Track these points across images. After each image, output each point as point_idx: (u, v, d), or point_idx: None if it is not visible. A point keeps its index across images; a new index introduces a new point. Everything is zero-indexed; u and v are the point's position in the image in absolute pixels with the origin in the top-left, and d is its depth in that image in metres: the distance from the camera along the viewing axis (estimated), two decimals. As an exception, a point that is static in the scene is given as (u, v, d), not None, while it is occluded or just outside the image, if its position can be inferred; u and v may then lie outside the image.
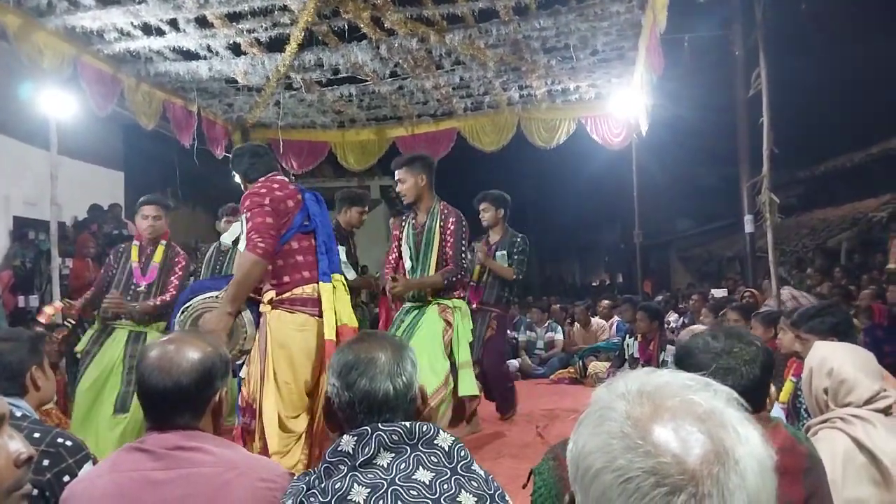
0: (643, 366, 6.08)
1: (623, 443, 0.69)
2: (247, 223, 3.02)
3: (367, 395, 1.39)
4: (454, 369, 4.01)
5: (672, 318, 8.99)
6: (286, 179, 3.24)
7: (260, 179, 3.18)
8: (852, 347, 2.26)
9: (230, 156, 3.51)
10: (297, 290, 3.05)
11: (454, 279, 4.07)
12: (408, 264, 4.20)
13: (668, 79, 6.43)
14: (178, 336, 1.64)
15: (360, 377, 1.40)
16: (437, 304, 4.12)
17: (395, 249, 4.39)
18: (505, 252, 5.20)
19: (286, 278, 3.06)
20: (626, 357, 7.01)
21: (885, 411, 2.04)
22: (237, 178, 3.40)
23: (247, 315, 3.14)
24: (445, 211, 4.19)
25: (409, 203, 4.22)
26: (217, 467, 1.46)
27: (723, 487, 0.65)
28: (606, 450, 0.70)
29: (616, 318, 8.92)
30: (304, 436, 3.04)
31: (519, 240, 5.25)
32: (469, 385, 4.07)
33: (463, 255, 4.12)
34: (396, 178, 4.20)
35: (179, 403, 1.51)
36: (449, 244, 4.09)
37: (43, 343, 2.11)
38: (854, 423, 2.00)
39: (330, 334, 2.99)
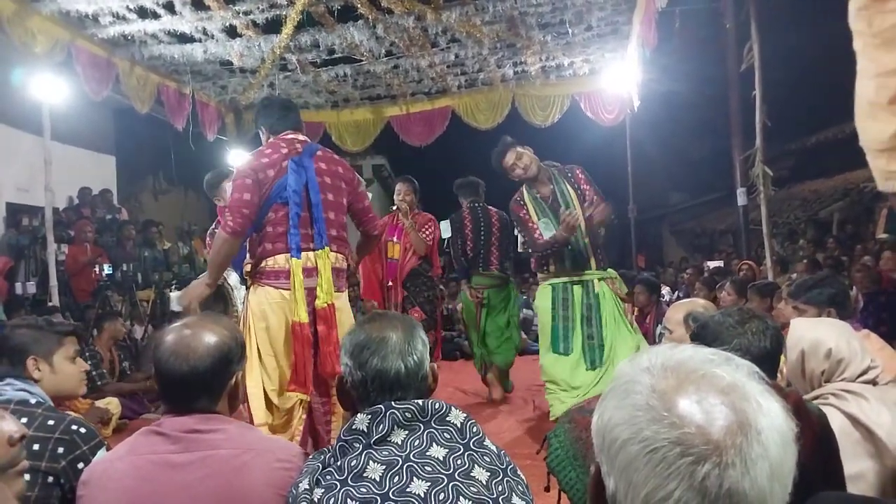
0: (640, 339, 6.17)
1: (649, 415, 0.72)
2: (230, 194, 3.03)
3: (378, 374, 1.41)
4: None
5: (665, 290, 9.05)
6: (294, 138, 3.14)
7: (281, 135, 3.15)
8: (836, 323, 2.28)
9: (257, 107, 3.42)
10: (265, 263, 3.00)
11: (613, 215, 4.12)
12: (548, 234, 4.07)
13: (661, 53, 6.40)
14: (194, 320, 1.63)
15: (372, 356, 1.42)
16: (603, 279, 4.12)
17: (536, 228, 4.17)
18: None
19: (259, 249, 3.03)
20: (623, 331, 7.06)
21: (874, 382, 2.08)
22: (262, 134, 3.29)
23: (239, 293, 3.21)
24: (566, 168, 4.26)
25: (535, 175, 4.18)
26: (234, 449, 1.48)
27: (746, 457, 0.68)
28: (633, 421, 0.73)
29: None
30: (297, 413, 3.03)
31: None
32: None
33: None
34: (513, 162, 4.17)
35: (196, 388, 1.53)
36: (589, 191, 4.13)
37: (48, 338, 2.04)
38: (847, 398, 2.02)
39: (297, 315, 2.94)
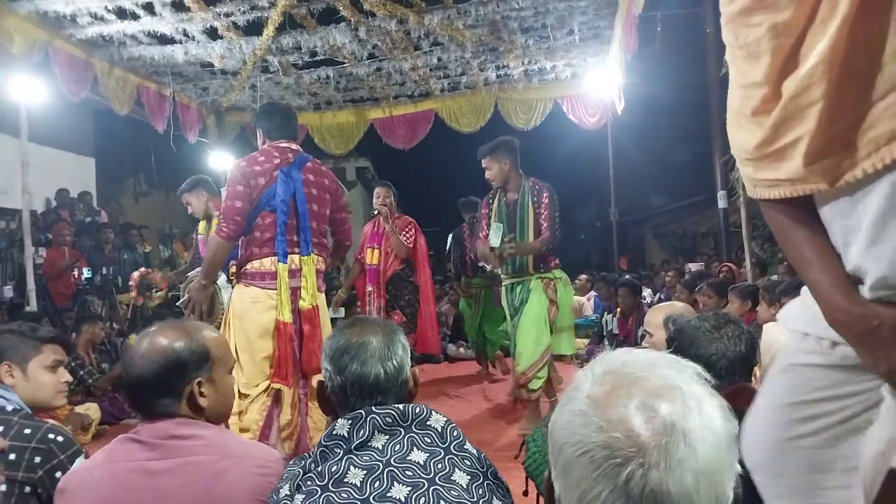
0: (623, 340, 6.23)
1: (581, 419, 0.75)
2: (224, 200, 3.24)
3: (358, 378, 1.41)
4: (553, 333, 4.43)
5: (646, 293, 9.12)
6: (287, 147, 3.32)
7: (275, 142, 3.33)
8: None
9: (257, 112, 3.60)
10: (249, 266, 3.20)
11: (551, 246, 4.39)
12: (494, 240, 4.36)
13: (642, 57, 6.46)
14: (160, 326, 1.63)
15: (352, 361, 1.42)
16: (541, 279, 4.45)
17: (486, 227, 4.61)
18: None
19: (245, 252, 3.24)
20: (605, 334, 7.12)
21: None
22: (259, 135, 3.45)
23: (226, 293, 3.46)
24: (537, 186, 4.49)
25: (498, 186, 4.53)
26: (213, 455, 1.48)
27: (670, 458, 0.69)
28: (568, 426, 0.76)
29: (594, 294, 9.02)
30: (261, 396, 3.18)
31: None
32: (566, 345, 4.54)
33: (557, 226, 4.41)
34: (483, 165, 4.51)
35: (147, 391, 1.53)
36: (544, 216, 4.40)
37: (25, 344, 2.02)
38: None
39: (282, 315, 3.15)
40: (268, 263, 3.17)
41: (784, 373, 1.27)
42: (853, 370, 1.11)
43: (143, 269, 5.42)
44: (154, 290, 5.49)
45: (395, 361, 1.44)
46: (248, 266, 3.20)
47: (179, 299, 4.75)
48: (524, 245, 4.37)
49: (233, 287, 3.36)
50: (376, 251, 5.50)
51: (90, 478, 1.47)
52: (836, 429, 1.16)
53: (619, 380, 0.76)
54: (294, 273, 3.20)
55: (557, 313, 4.44)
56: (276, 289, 3.15)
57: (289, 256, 3.19)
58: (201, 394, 1.56)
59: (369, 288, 5.51)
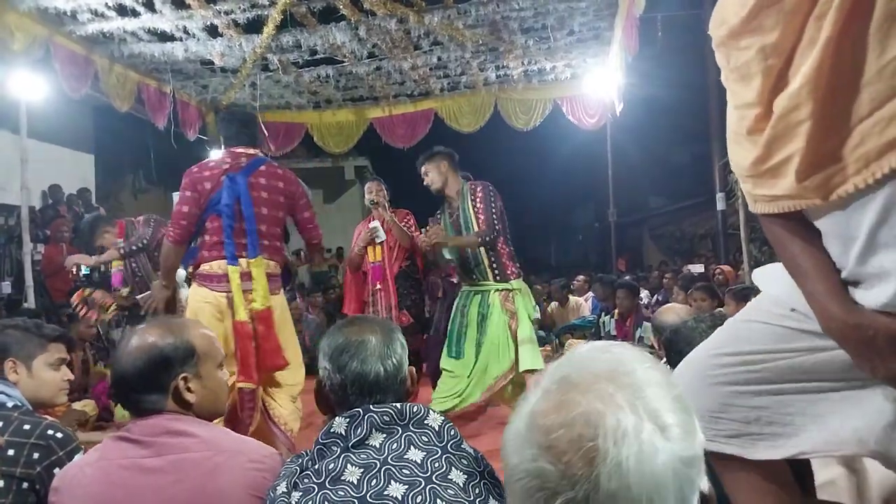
0: (621, 342, 6.25)
1: (519, 442, 0.72)
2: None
3: (358, 377, 1.42)
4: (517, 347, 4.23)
5: (644, 294, 9.13)
6: (242, 153, 3.42)
7: (232, 148, 3.44)
8: None
9: (217, 119, 3.77)
10: (202, 268, 3.34)
11: (488, 238, 4.22)
12: (447, 252, 4.41)
13: (642, 58, 6.46)
14: (147, 324, 1.65)
15: (351, 360, 1.43)
16: (499, 290, 4.31)
17: None
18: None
19: (198, 254, 3.40)
20: (602, 335, 7.13)
21: None
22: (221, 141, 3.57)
23: (185, 292, 3.68)
24: (473, 186, 4.41)
25: (439, 189, 4.45)
26: (205, 451, 1.48)
27: (601, 490, 0.66)
28: (510, 445, 0.74)
29: (591, 295, 9.04)
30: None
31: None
32: (530, 360, 4.21)
33: (495, 218, 4.26)
34: (422, 173, 4.47)
35: (133, 388, 1.53)
36: (480, 210, 4.28)
37: (31, 341, 2.05)
38: None
39: (238, 315, 3.25)
40: (216, 266, 3.30)
41: (739, 323, 1.33)
42: (816, 335, 1.15)
43: (78, 292, 5.38)
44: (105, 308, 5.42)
45: (394, 360, 1.45)
46: (201, 268, 3.35)
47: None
48: (458, 238, 4.29)
49: (189, 287, 3.51)
50: (378, 247, 5.34)
51: (83, 475, 1.48)
52: (754, 375, 1.23)
53: (563, 395, 0.72)
54: (243, 276, 3.30)
55: (518, 325, 4.25)
56: (225, 291, 3.27)
57: (240, 260, 3.30)
58: (188, 389, 1.56)
59: (377, 286, 5.37)
